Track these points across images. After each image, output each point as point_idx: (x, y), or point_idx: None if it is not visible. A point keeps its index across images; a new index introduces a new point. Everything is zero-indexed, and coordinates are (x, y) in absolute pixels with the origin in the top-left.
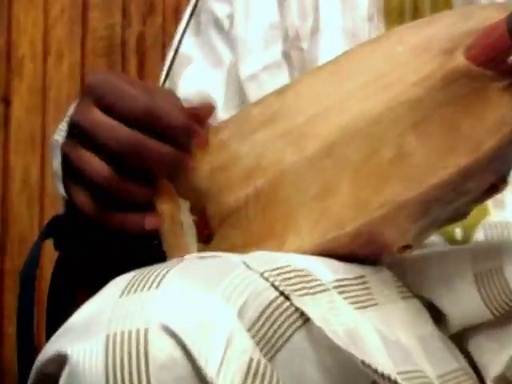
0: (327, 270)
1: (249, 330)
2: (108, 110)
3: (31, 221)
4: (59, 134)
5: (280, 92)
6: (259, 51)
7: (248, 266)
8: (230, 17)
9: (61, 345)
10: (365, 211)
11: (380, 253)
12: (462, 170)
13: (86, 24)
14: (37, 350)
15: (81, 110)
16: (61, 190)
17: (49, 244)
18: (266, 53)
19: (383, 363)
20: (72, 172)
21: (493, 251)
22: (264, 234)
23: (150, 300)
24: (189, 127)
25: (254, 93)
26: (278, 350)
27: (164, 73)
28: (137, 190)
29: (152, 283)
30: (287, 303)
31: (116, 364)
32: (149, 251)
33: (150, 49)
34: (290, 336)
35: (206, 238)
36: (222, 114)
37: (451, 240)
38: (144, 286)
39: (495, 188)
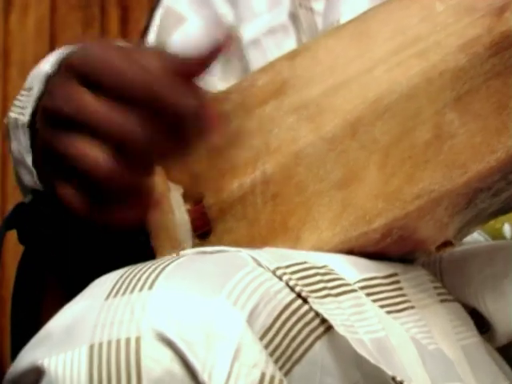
0: (352, 268)
1: (260, 338)
2: (97, 89)
3: None
4: (17, 112)
5: (291, 57)
6: (263, 12)
7: (258, 263)
8: None
9: (37, 355)
10: (396, 203)
11: (414, 251)
12: None
13: None
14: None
15: (62, 92)
16: (26, 178)
17: (12, 235)
18: (270, 14)
19: (419, 380)
20: (55, 164)
21: None
22: (274, 228)
23: (142, 303)
24: (199, 112)
25: (256, 61)
26: (295, 363)
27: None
28: (140, 183)
29: (144, 283)
30: (305, 307)
31: (102, 378)
32: (135, 248)
33: (133, 0)
34: (310, 346)
35: (203, 233)
36: (221, 84)
37: (498, 237)
38: (134, 287)
39: None
